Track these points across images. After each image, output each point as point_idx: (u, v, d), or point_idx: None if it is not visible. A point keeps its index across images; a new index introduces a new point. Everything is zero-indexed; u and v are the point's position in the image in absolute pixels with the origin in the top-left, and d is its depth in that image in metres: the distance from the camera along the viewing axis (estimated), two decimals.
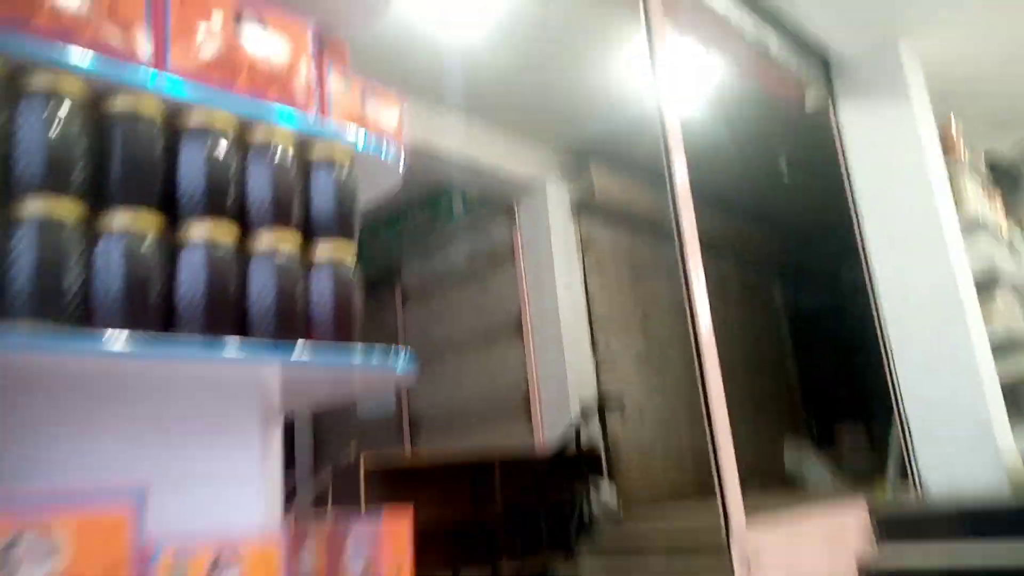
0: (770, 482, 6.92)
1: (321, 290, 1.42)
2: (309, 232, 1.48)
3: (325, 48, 1.61)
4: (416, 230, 6.45)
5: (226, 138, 1.36)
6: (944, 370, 3.96)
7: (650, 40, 3.10)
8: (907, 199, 4.22)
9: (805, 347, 8.30)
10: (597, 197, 5.78)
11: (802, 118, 4.76)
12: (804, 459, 7.09)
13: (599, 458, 5.27)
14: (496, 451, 4.91)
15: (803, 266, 8.44)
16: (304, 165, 1.48)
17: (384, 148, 1.57)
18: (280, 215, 1.39)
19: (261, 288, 1.33)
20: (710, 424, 2.83)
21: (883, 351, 4.21)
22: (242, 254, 1.36)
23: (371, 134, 1.58)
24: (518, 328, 5.76)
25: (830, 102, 4.54)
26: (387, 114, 1.65)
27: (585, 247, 5.89)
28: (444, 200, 6.21)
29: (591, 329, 5.70)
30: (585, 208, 5.91)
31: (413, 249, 6.61)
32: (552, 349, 5.48)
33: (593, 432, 5.28)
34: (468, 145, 5.12)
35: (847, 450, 7.51)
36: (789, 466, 7.19)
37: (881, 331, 4.24)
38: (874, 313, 4.28)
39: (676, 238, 2.96)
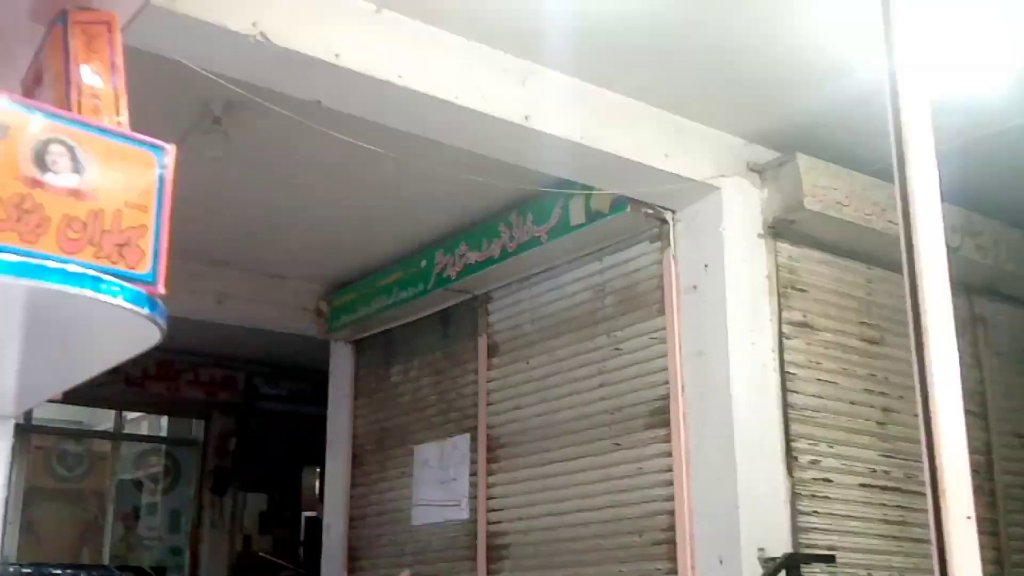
0: None
1: None
2: None
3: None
4: (512, 244, 6.13)
5: None
6: None
7: None
8: None
9: None
10: (807, 208, 5.24)
11: None
12: None
13: None
14: None
15: None
16: None
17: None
18: None
19: None
20: None
21: None
22: None
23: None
24: (663, 417, 5.34)
25: None
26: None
27: (785, 291, 5.38)
28: (554, 203, 5.86)
29: (786, 428, 5.18)
30: (788, 227, 5.41)
31: (507, 273, 6.38)
32: (717, 457, 5.05)
33: None
34: (591, 123, 4.83)
35: None
36: None
37: None
38: None
39: (907, 281, 2.50)
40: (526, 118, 4.57)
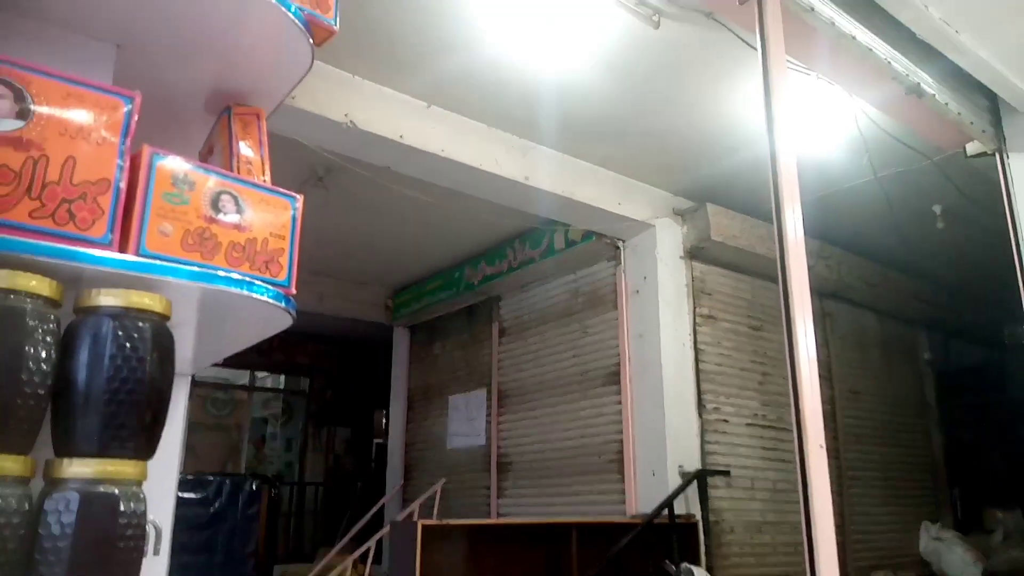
0: (907, 568, 6.01)
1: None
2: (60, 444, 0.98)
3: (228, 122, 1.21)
4: (516, 262, 6.10)
5: None
6: None
7: (765, 74, 2.55)
8: None
9: (954, 414, 7.19)
10: (713, 239, 5.18)
11: (961, 165, 4.00)
12: (944, 545, 6.10)
13: (696, 532, 4.68)
14: (577, 516, 4.47)
15: (957, 323, 7.34)
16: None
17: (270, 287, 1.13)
18: None
19: None
20: (806, 500, 2.23)
21: None
22: None
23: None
24: (616, 377, 5.26)
25: (998, 150, 3.73)
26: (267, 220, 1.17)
27: (697, 295, 5.31)
28: (544, 234, 5.80)
29: (698, 386, 5.10)
30: (699, 252, 5.34)
31: (512, 281, 6.27)
32: (651, 405, 4.96)
33: (692, 502, 4.73)
34: (569, 181, 4.77)
35: (998, 538, 6.41)
36: (925, 552, 6.22)
37: None
38: None
39: (781, 288, 2.43)
40: (526, 178, 4.54)
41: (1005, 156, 3.72)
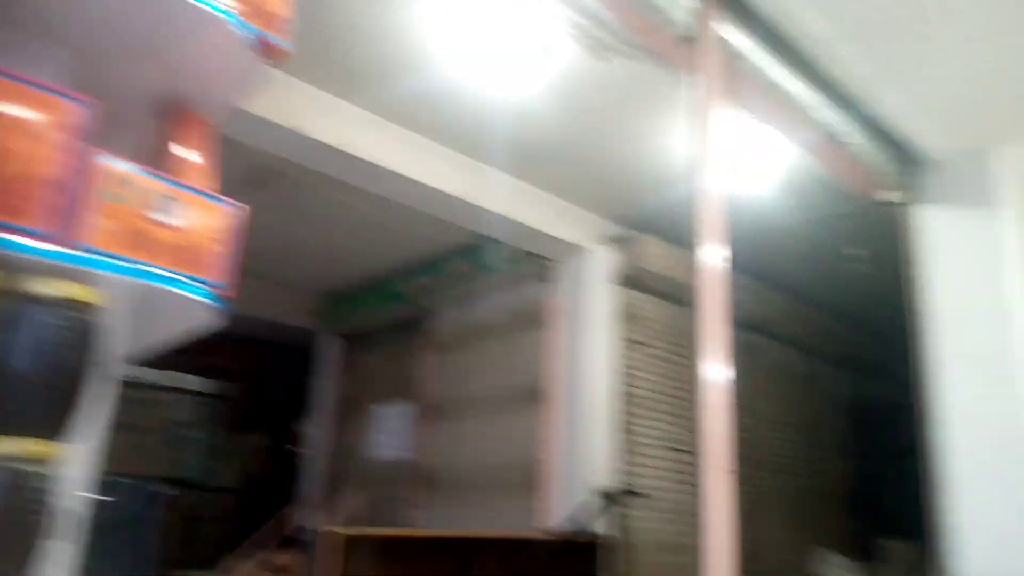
0: None
1: None
2: None
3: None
4: (453, 277, 6.14)
5: None
6: (1004, 522, 3.50)
7: (694, 111, 2.71)
8: (980, 320, 3.80)
9: (861, 447, 7.55)
10: (645, 268, 5.34)
11: (876, 209, 4.27)
12: (835, 573, 6.39)
13: (610, 552, 4.78)
14: (494, 530, 4.51)
15: (869, 360, 7.73)
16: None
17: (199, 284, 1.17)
18: None
19: None
20: (703, 522, 2.35)
21: (937, 476, 3.79)
22: None
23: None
24: (541, 396, 5.34)
25: (909, 200, 4.01)
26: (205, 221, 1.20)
27: (627, 320, 5.44)
28: (483, 252, 5.87)
29: (622, 409, 5.22)
30: (631, 279, 5.47)
31: (447, 296, 6.30)
32: (574, 425, 5.08)
33: (606, 522, 4.83)
34: (509, 201, 4.85)
35: (890, 570, 6.75)
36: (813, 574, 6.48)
37: (936, 454, 3.83)
38: (931, 434, 3.90)
39: (695, 317, 2.55)
40: (469, 195, 4.56)
41: (912, 207, 4.00)
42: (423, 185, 4.38)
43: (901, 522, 6.96)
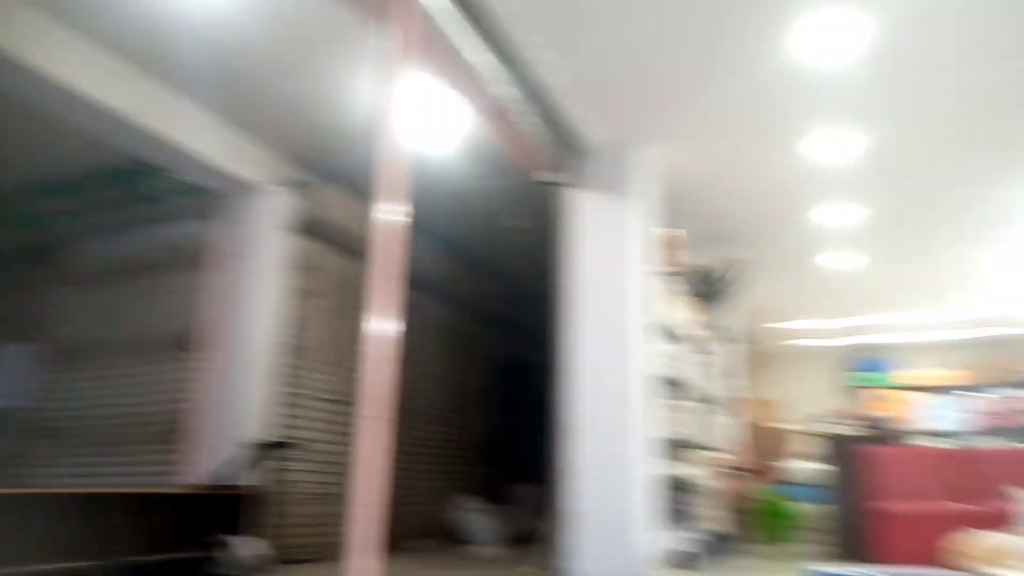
0: (442, 538, 6.77)
1: None
2: None
3: None
4: (98, 203, 5.38)
5: None
6: (607, 465, 4.25)
7: (384, 65, 2.73)
8: (605, 293, 4.49)
9: (502, 402, 8.39)
10: (324, 219, 5.23)
11: (537, 187, 4.74)
12: (471, 516, 7.02)
13: (259, 503, 4.66)
14: (133, 487, 4.12)
15: (518, 321, 8.58)
16: None
17: None
18: None
19: None
20: (353, 469, 2.45)
21: (560, 427, 4.41)
22: None
23: None
24: (193, 344, 4.98)
25: (565, 183, 4.54)
26: None
27: (303, 271, 5.29)
28: (139, 178, 5.24)
29: (287, 359, 5.08)
30: (310, 229, 5.33)
31: (89, 224, 5.53)
32: (228, 375, 4.80)
33: (256, 474, 4.70)
34: (177, 124, 4.38)
35: (519, 512, 7.62)
36: (452, 521, 7.07)
37: (562, 408, 4.43)
38: (559, 390, 4.49)
39: (371, 271, 2.59)
40: (132, 112, 4.06)
41: (567, 189, 4.54)
42: (72, 90, 3.78)
43: (531, 469, 7.92)
